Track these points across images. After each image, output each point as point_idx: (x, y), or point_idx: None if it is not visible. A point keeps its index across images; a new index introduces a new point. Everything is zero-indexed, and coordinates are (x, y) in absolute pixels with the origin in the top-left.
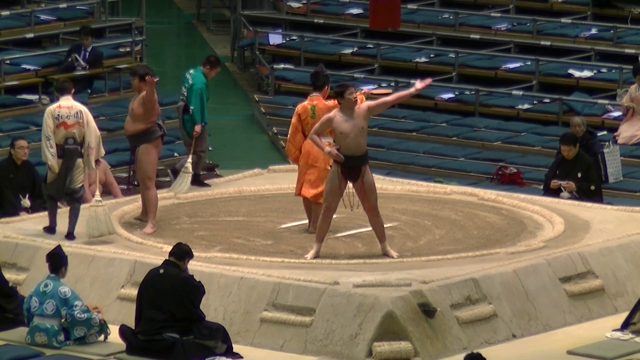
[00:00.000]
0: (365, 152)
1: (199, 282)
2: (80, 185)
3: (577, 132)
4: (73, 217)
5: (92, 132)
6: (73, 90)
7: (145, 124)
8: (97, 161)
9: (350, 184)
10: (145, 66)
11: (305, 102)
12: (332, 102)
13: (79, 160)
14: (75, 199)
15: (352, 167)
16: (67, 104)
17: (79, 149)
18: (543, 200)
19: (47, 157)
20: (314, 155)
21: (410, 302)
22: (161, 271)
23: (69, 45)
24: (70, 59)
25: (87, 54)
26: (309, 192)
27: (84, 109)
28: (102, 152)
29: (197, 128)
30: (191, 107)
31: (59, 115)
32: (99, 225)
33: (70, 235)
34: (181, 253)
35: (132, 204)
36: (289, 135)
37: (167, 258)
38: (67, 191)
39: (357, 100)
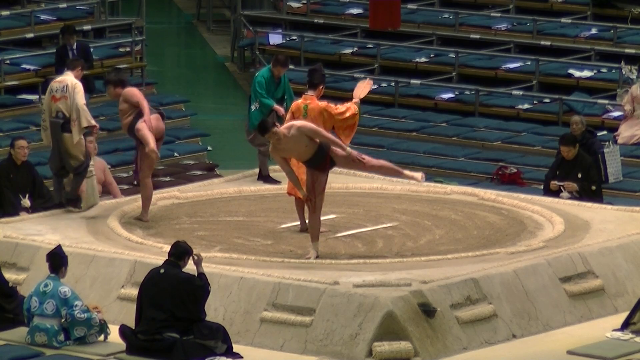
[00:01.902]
0: (318, 147)
1: (205, 282)
2: (78, 162)
3: (575, 131)
4: (73, 184)
5: (74, 104)
6: (79, 68)
7: (134, 114)
8: (90, 132)
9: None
10: (115, 71)
11: (300, 101)
12: (324, 104)
13: (67, 135)
14: (76, 174)
15: (317, 164)
16: (61, 78)
17: (60, 122)
18: (543, 200)
19: (41, 131)
20: None
21: (410, 302)
22: (162, 271)
23: (57, 46)
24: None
25: (75, 52)
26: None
27: (72, 82)
28: (84, 122)
29: (280, 112)
30: (255, 104)
31: (51, 89)
32: (86, 197)
33: (68, 202)
34: (180, 252)
35: (132, 204)
36: None
37: (167, 258)
38: (70, 170)
39: (280, 138)
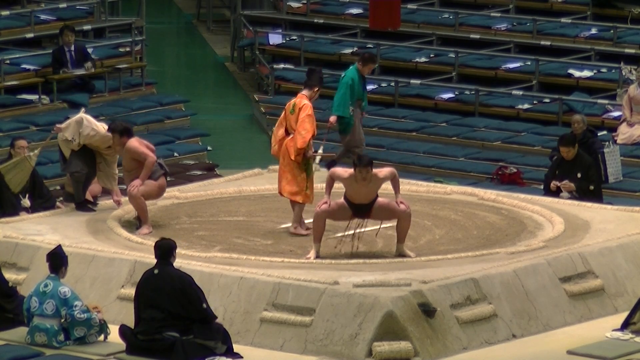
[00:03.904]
0: (375, 198)
1: (190, 277)
2: (65, 161)
3: (577, 130)
4: (73, 189)
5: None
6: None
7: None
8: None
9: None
10: (122, 124)
11: (294, 99)
12: (306, 104)
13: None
14: (72, 178)
15: (360, 210)
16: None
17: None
18: (543, 200)
19: None
20: (289, 152)
21: (410, 302)
22: (156, 271)
23: (53, 47)
24: (60, 70)
25: (73, 54)
26: (285, 190)
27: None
28: (64, 133)
29: (331, 119)
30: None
31: None
32: (14, 174)
33: (78, 207)
34: (164, 251)
35: None
36: (274, 129)
37: (157, 260)
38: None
39: (366, 178)
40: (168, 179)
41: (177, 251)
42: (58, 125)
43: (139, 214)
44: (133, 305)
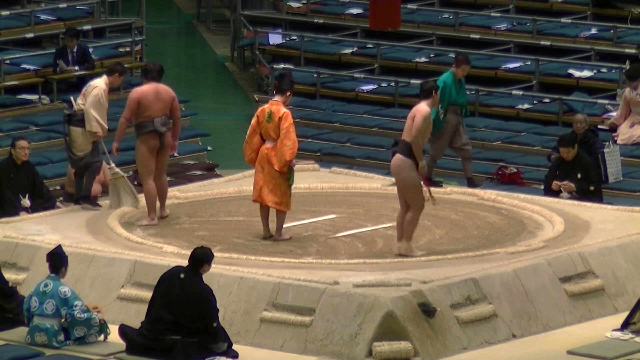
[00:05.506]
0: None
1: (210, 294)
2: (81, 153)
3: (579, 129)
4: (86, 183)
5: (88, 104)
6: (117, 75)
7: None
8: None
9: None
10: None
11: (266, 106)
12: (284, 112)
13: (73, 128)
14: (87, 171)
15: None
16: (98, 78)
17: (66, 114)
18: (543, 200)
19: None
20: (268, 160)
21: (410, 302)
22: (182, 275)
23: (55, 47)
24: (57, 67)
25: (75, 54)
26: (269, 199)
27: (95, 84)
28: (87, 126)
29: None
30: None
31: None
32: (119, 199)
33: (83, 200)
34: (195, 261)
35: None
36: (246, 137)
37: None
38: (76, 162)
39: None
40: (167, 177)
41: (180, 252)
42: (112, 167)
43: (145, 202)
44: (134, 302)
